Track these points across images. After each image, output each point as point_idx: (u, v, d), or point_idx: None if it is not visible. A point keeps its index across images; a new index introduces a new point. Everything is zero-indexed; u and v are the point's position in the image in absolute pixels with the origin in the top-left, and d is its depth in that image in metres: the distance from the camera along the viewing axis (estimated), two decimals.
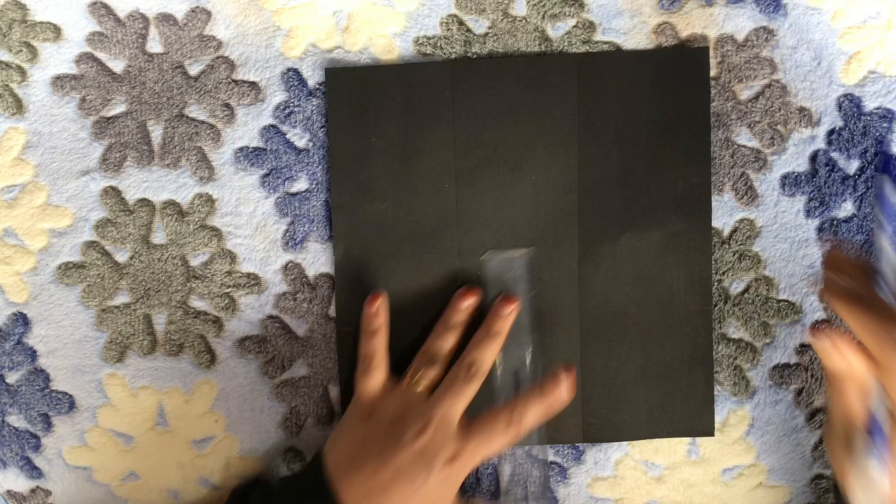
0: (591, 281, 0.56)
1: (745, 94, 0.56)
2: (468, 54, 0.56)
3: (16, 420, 0.58)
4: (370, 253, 0.56)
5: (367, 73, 0.56)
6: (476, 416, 0.51)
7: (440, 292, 0.56)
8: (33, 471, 0.59)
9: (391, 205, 0.56)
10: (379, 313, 0.55)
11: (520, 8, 0.56)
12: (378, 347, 0.55)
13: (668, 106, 0.55)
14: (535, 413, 0.51)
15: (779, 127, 0.56)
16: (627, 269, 0.56)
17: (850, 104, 0.56)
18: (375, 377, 0.54)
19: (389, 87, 0.56)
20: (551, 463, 0.58)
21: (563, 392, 0.51)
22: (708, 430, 0.56)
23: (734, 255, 0.56)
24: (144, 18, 0.57)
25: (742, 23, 0.56)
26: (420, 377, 0.53)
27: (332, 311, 0.57)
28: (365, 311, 0.56)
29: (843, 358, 0.44)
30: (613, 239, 0.56)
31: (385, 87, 0.56)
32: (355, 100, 0.56)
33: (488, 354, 0.53)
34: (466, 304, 0.55)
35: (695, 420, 0.56)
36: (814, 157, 0.56)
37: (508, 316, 0.54)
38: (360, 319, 0.56)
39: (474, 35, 0.56)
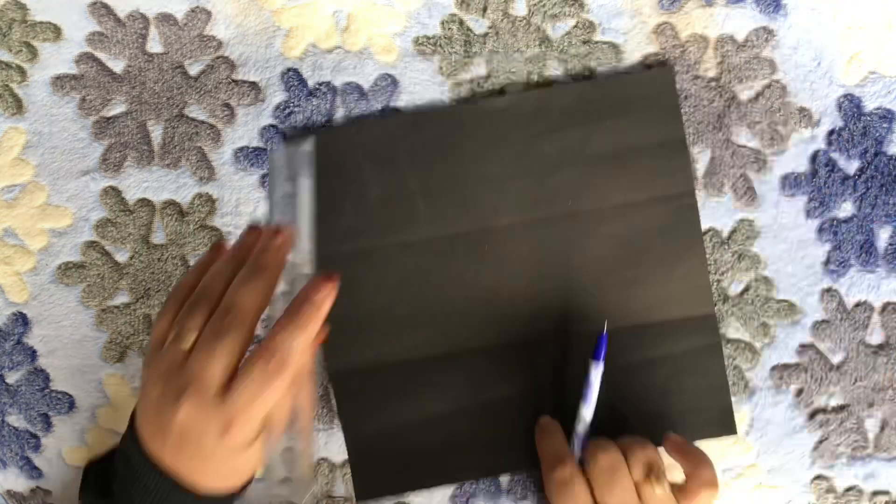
0: (591, 305, 0.56)
1: (745, 94, 0.56)
2: (468, 55, 0.56)
3: (16, 420, 0.58)
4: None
5: (331, 137, 0.56)
6: (236, 372, 0.41)
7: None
8: (33, 471, 0.59)
9: (364, 259, 0.56)
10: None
11: (520, 8, 0.56)
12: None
13: (641, 129, 0.55)
14: (291, 333, 0.42)
15: (779, 127, 0.56)
16: (625, 286, 0.56)
17: (850, 104, 0.56)
18: (165, 318, 0.44)
19: (352, 145, 0.56)
20: None
21: (319, 299, 0.42)
22: (730, 429, 0.57)
23: (734, 255, 0.56)
24: (144, 18, 0.57)
25: (742, 23, 0.56)
26: (182, 330, 0.42)
27: None
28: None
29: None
30: (606, 261, 0.56)
31: (348, 145, 0.56)
32: (324, 161, 0.55)
33: (249, 296, 0.42)
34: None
35: (716, 421, 0.56)
36: (814, 158, 0.56)
37: (278, 249, 0.44)
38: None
39: (474, 35, 0.56)
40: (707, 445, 0.57)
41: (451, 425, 0.56)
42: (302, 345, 0.42)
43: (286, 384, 0.41)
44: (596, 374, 0.53)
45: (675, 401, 0.56)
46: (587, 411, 0.53)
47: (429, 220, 0.56)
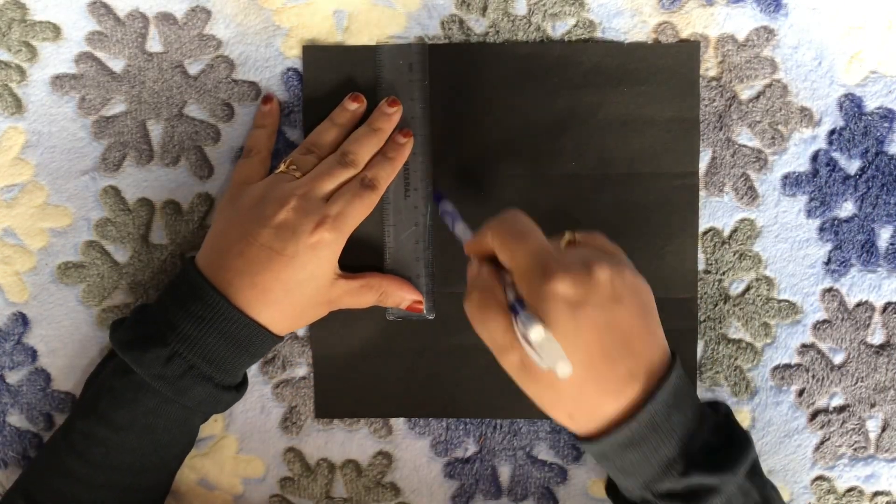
0: None
1: (745, 93, 0.56)
2: None
3: (17, 420, 0.58)
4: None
5: (344, 53, 0.56)
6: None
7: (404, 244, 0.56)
8: None
9: None
10: (271, 113, 0.56)
11: (520, 7, 0.56)
12: (261, 141, 0.55)
13: (657, 101, 0.55)
14: (381, 164, 0.53)
15: (779, 127, 0.56)
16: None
17: (850, 104, 0.56)
18: (251, 166, 0.54)
19: (366, 67, 0.56)
20: (551, 464, 0.58)
21: (391, 116, 0.54)
22: None
23: (734, 255, 0.56)
24: (144, 18, 0.57)
25: (743, 22, 0.56)
26: (294, 163, 0.53)
27: None
28: (259, 107, 0.56)
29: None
30: (598, 227, 0.55)
31: (361, 66, 0.56)
32: (332, 78, 0.56)
33: (365, 147, 0.53)
34: (354, 105, 0.55)
35: None
36: (815, 157, 0.56)
37: (392, 115, 0.54)
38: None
39: (475, 35, 0.56)
40: None
41: (416, 362, 0.57)
42: (389, 173, 0.53)
43: (373, 203, 0.52)
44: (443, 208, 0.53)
45: None
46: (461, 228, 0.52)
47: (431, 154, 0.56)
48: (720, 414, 0.46)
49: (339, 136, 0.54)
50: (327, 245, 0.50)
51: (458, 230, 0.51)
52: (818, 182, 0.56)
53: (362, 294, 0.54)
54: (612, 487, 0.52)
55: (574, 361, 0.41)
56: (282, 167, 0.53)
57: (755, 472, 0.47)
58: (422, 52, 0.55)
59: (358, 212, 0.52)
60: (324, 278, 0.52)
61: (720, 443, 0.45)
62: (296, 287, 0.50)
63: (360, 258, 0.54)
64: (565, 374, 0.40)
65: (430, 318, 0.56)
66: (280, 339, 0.52)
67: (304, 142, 0.55)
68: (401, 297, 0.55)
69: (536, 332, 0.41)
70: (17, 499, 0.51)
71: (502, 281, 0.45)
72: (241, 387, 0.53)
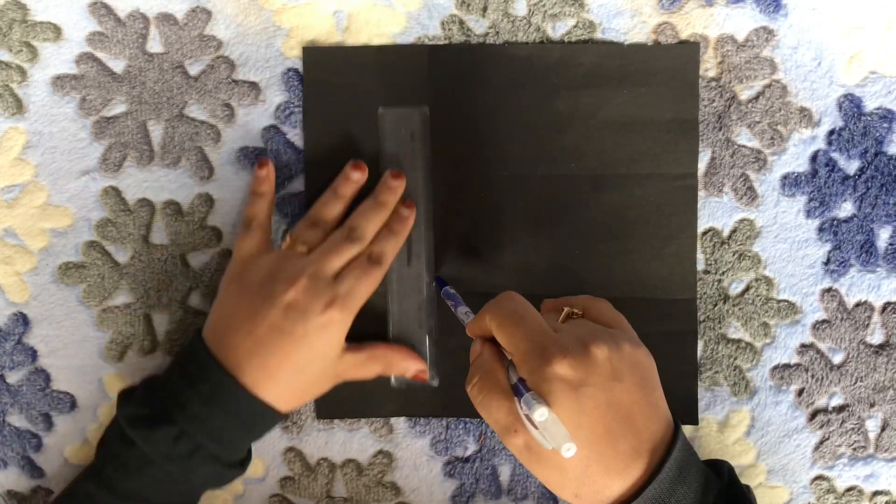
0: (575, 270, 0.56)
1: (745, 94, 0.56)
2: None
3: (17, 420, 0.58)
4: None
5: (344, 53, 0.56)
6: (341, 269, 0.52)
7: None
8: (34, 470, 0.59)
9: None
10: (268, 178, 0.55)
11: (520, 8, 0.56)
12: (261, 210, 0.55)
13: (657, 102, 0.55)
14: (386, 239, 0.53)
15: (779, 127, 0.56)
16: (611, 256, 0.56)
17: (850, 104, 0.56)
18: (254, 238, 0.54)
19: (366, 67, 0.56)
20: None
21: (395, 189, 0.54)
22: (691, 419, 0.57)
23: (734, 255, 0.56)
24: (144, 18, 0.57)
25: (742, 23, 0.56)
26: (299, 238, 0.53)
27: None
28: (255, 172, 0.56)
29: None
30: (597, 228, 0.56)
31: (362, 67, 0.56)
32: (332, 78, 0.56)
33: (372, 222, 0.54)
34: (356, 175, 0.55)
35: (678, 408, 0.56)
36: (814, 158, 0.56)
37: (396, 188, 0.55)
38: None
39: (475, 35, 0.56)
40: (707, 445, 0.57)
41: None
42: (394, 247, 0.54)
43: (380, 278, 0.53)
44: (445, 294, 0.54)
45: None
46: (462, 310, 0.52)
47: (431, 158, 0.56)
48: (723, 477, 0.46)
49: (343, 209, 0.55)
50: (337, 324, 0.51)
51: (460, 313, 0.52)
52: (817, 182, 0.56)
53: (368, 366, 0.54)
54: None
55: (578, 441, 0.41)
56: (287, 241, 0.53)
57: None
58: (423, 120, 0.56)
59: (366, 289, 0.52)
60: (332, 355, 0.52)
61: None
62: (305, 366, 0.51)
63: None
64: (571, 454, 0.40)
65: (434, 384, 0.57)
66: (286, 416, 0.53)
67: (308, 215, 0.55)
68: (405, 366, 0.55)
69: (541, 414, 0.41)
70: None
71: (504, 362, 0.46)
72: (245, 461, 0.54)
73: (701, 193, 0.56)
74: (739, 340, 0.57)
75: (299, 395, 0.52)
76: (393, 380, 0.57)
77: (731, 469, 0.48)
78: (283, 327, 0.50)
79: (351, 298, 0.51)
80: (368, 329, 0.55)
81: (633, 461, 0.43)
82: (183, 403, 0.50)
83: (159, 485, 0.50)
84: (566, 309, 0.47)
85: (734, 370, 0.57)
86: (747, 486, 0.48)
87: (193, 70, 0.57)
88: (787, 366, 0.57)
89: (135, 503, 0.51)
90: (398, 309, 0.56)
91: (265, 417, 0.51)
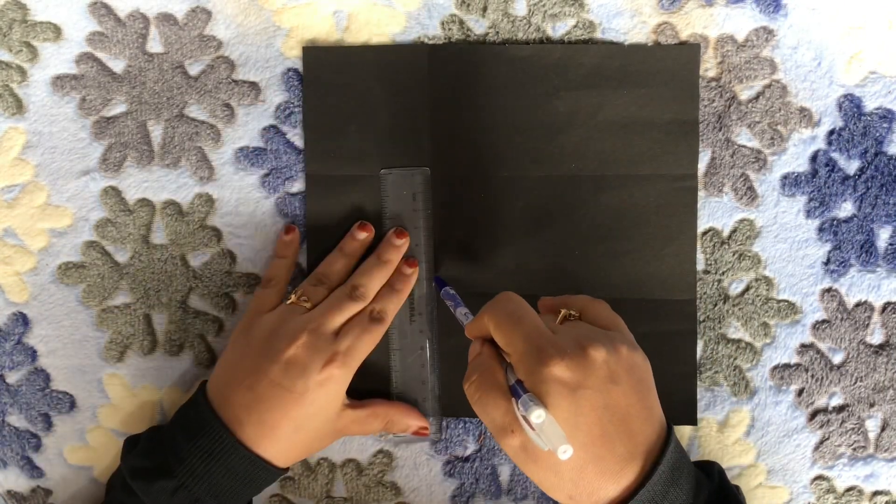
0: (574, 270, 0.56)
1: (745, 94, 0.56)
2: None
3: (16, 420, 0.58)
4: (341, 219, 0.57)
5: (344, 53, 0.56)
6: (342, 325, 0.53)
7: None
8: (34, 470, 0.59)
9: (365, 184, 0.57)
10: (292, 244, 0.56)
11: (520, 8, 0.56)
12: (282, 273, 0.56)
13: (657, 103, 0.55)
14: (388, 297, 0.54)
15: (779, 127, 0.56)
16: (611, 257, 0.56)
17: (850, 104, 0.56)
18: (269, 296, 0.55)
19: (366, 67, 0.56)
20: None
21: (399, 248, 0.55)
22: (690, 420, 0.57)
23: (734, 255, 0.56)
24: (144, 18, 0.57)
25: (742, 23, 0.56)
26: (304, 295, 0.54)
27: None
28: (280, 237, 0.56)
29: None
30: (597, 228, 0.56)
31: (362, 66, 0.56)
32: (332, 78, 0.56)
33: (375, 280, 0.54)
34: (363, 235, 0.56)
35: (677, 409, 0.57)
36: (814, 158, 0.56)
37: (400, 247, 0.55)
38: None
39: (475, 35, 0.56)
40: (707, 445, 0.57)
41: (414, 363, 0.57)
42: (396, 305, 0.55)
43: (380, 335, 0.53)
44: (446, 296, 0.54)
45: None
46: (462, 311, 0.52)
47: (431, 158, 0.56)
48: (713, 479, 0.47)
49: (348, 266, 0.55)
50: (336, 381, 0.51)
51: (459, 314, 0.52)
52: (817, 182, 0.56)
53: (369, 422, 0.55)
54: None
55: (574, 443, 0.41)
56: (292, 298, 0.54)
57: None
58: (424, 181, 0.56)
59: (367, 346, 0.52)
60: (332, 411, 0.52)
61: None
62: (304, 422, 0.51)
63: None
64: (567, 456, 0.40)
65: (436, 440, 0.57)
66: (285, 471, 0.52)
67: (314, 273, 0.55)
68: (406, 424, 0.56)
69: (538, 416, 0.41)
70: None
71: (502, 363, 0.46)
72: None
73: (701, 193, 0.56)
74: (739, 340, 0.57)
75: (299, 451, 0.53)
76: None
77: (721, 470, 0.48)
78: (282, 383, 0.50)
79: (351, 355, 0.52)
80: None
81: (628, 464, 0.43)
82: (182, 457, 0.50)
83: None
84: (563, 310, 0.47)
85: (734, 370, 0.57)
86: (737, 487, 0.49)
87: (193, 70, 0.57)
88: (787, 366, 0.57)
89: None
90: (401, 365, 0.57)
91: (264, 473, 0.51)
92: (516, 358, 0.44)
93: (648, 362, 0.46)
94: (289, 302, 0.54)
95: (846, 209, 0.56)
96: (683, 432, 0.57)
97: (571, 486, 0.43)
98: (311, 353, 0.51)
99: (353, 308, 0.53)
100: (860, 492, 0.57)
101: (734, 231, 0.56)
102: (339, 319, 0.52)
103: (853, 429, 0.57)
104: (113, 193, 0.57)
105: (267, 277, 0.56)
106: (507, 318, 0.45)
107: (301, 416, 0.51)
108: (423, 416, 0.56)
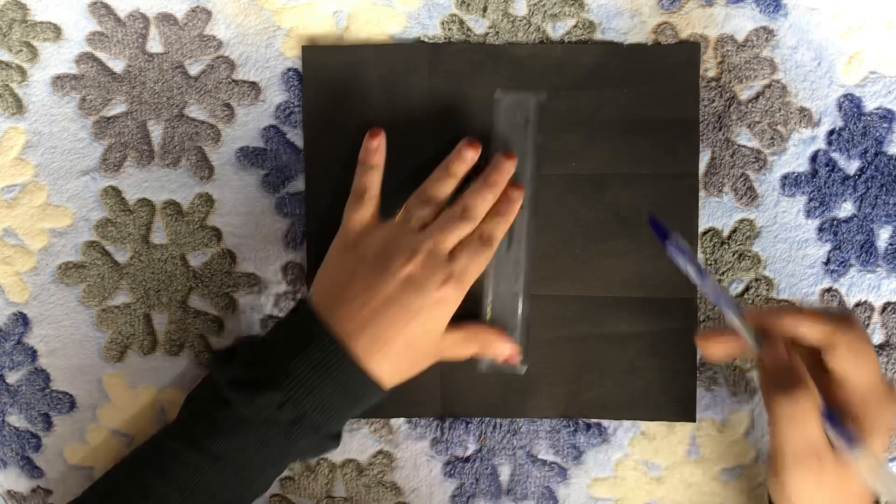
0: (575, 270, 0.56)
1: (745, 94, 0.56)
2: None
3: (16, 420, 0.58)
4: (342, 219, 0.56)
5: (344, 53, 0.56)
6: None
7: None
8: (34, 470, 0.59)
9: None
10: (379, 150, 0.55)
11: (520, 8, 0.56)
12: (373, 182, 0.55)
13: (657, 102, 0.56)
14: (496, 221, 0.53)
15: (779, 127, 0.56)
16: (611, 256, 0.56)
17: (850, 104, 0.56)
18: (365, 209, 0.54)
19: (366, 67, 0.56)
20: (551, 463, 0.58)
21: (507, 171, 0.54)
22: (689, 416, 0.57)
23: (734, 255, 0.56)
24: (144, 18, 0.57)
25: (742, 23, 0.56)
26: (412, 214, 0.53)
27: None
28: (365, 144, 0.55)
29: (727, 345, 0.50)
30: (597, 228, 0.56)
31: (362, 66, 0.56)
32: (332, 78, 0.56)
33: (484, 202, 0.53)
34: (470, 154, 0.55)
35: (676, 405, 0.57)
36: (814, 158, 0.56)
37: (508, 170, 0.54)
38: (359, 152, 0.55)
39: (475, 35, 0.56)
40: (707, 445, 0.57)
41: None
42: (503, 228, 0.54)
43: (489, 259, 0.53)
44: (676, 251, 0.51)
45: (640, 378, 0.56)
46: (709, 284, 0.50)
47: (431, 158, 0.56)
48: None
49: (454, 187, 0.54)
50: (450, 301, 0.51)
51: (692, 273, 0.50)
52: (817, 182, 0.56)
53: (465, 346, 0.54)
54: None
55: None
56: (400, 216, 0.53)
57: None
58: (539, 106, 0.55)
59: (478, 268, 0.52)
60: (439, 332, 0.52)
61: None
62: (415, 341, 0.51)
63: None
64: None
65: (521, 373, 0.56)
66: (386, 393, 0.52)
67: (419, 191, 0.54)
68: (501, 349, 0.55)
69: (870, 458, 0.44)
70: (92, 501, 0.51)
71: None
72: (339, 436, 0.53)
73: (701, 193, 0.56)
74: None
75: (404, 370, 0.52)
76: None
77: None
78: (399, 300, 0.50)
79: (464, 276, 0.51)
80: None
81: None
82: (290, 369, 0.49)
83: (253, 449, 0.50)
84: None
85: (734, 370, 0.57)
86: None
87: (193, 70, 0.57)
88: None
89: (224, 464, 0.50)
90: (495, 294, 0.56)
91: (370, 391, 0.51)
92: (859, 390, 0.46)
93: None
94: (397, 220, 0.53)
95: (846, 209, 0.56)
96: (683, 430, 0.57)
97: None
98: (428, 271, 0.50)
99: (465, 229, 0.52)
100: None
101: (734, 231, 0.56)
102: (452, 240, 0.52)
103: None
104: (113, 193, 0.57)
105: (359, 190, 0.54)
106: (869, 346, 0.47)
107: (413, 334, 0.50)
108: (516, 344, 0.55)
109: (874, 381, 0.46)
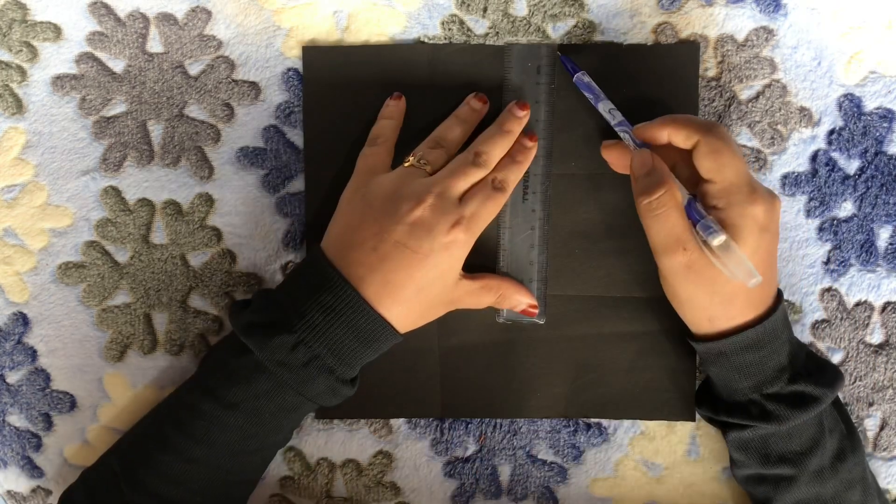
0: (575, 269, 0.56)
1: (745, 94, 0.56)
2: None
3: (16, 420, 0.58)
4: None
5: (344, 53, 0.56)
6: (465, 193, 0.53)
7: None
8: (34, 470, 0.59)
9: None
10: (398, 107, 0.56)
11: (520, 8, 0.56)
12: (388, 129, 0.55)
13: (657, 102, 0.56)
14: (509, 167, 0.53)
15: (779, 127, 0.56)
16: (611, 255, 0.56)
17: (850, 104, 0.56)
18: (377, 155, 0.54)
19: (366, 67, 0.56)
20: (551, 463, 0.58)
21: (521, 119, 0.54)
22: (689, 416, 0.57)
23: None
24: (144, 18, 0.57)
25: (742, 23, 0.56)
26: (423, 158, 0.53)
27: None
28: (387, 101, 0.56)
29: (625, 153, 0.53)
30: (597, 227, 0.56)
31: (362, 66, 0.56)
32: (332, 78, 0.56)
33: (497, 148, 0.53)
34: (479, 105, 0.55)
35: (676, 405, 0.57)
36: (814, 157, 0.56)
37: (522, 118, 0.54)
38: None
39: (475, 35, 0.56)
40: (707, 444, 0.57)
41: (416, 362, 0.57)
42: (517, 176, 0.54)
43: (501, 205, 0.53)
44: (580, 83, 0.55)
45: (640, 377, 0.57)
46: (602, 105, 0.54)
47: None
48: (803, 346, 0.54)
49: (465, 134, 0.55)
50: (460, 246, 0.51)
51: (603, 109, 0.53)
52: (817, 182, 0.56)
53: (482, 295, 0.54)
54: (704, 397, 0.55)
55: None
56: (410, 160, 0.53)
57: (838, 401, 0.55)
58: (550, 54, 0.55)
59: (490, 213, 0.52)
60: (451, 278, 0.52)
61: (816, 366, 0.52)
62: (426, 285, 0.51)
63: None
64: (755, 283, 0.47)
65: (541, 322, 0.56)
66: (401, 337, 0.52)
67: (431, 136, 0.54)
68: (518, 300, 0.55)
69: (721, 241, 0.47)
70: (112, 460, 0.52)
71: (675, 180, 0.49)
72: (354, 382, 0.53)
73: None
74: None
75: (417, 316, 0.52)
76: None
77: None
78: (408, 244, 0.50)
79: (475, 221, 0.51)
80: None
81: (767, 300, 0.50)
82: (303, 312, 0.49)
83: (269, 395, 0.50)
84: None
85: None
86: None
87: (193, 70, 0.57)
88: None
89: (239, 412, 0.50)
90: (510, 244, 0.56)
91: (383, 334, 0.51)
92: (721, 187, 0.48)
93: None
94: (406, 164, 0.53)
95: (846, 209, 0.56)
96: (683, 430, 0.57)
97: (720, 309, 0.50)
98: (437, 215, 0.50)
99: (477, 174, 0.52)
100: None
101: None
102: (463, 184, 0.52)
103: None
104: (113, 193, 0.57)
105: (374, 135, 0.55)
106: (728, 147, 0.49)
107: (424, 279, 0.50)
108: (533, 295, 0.56)
109: (739, 180, 0.48)
